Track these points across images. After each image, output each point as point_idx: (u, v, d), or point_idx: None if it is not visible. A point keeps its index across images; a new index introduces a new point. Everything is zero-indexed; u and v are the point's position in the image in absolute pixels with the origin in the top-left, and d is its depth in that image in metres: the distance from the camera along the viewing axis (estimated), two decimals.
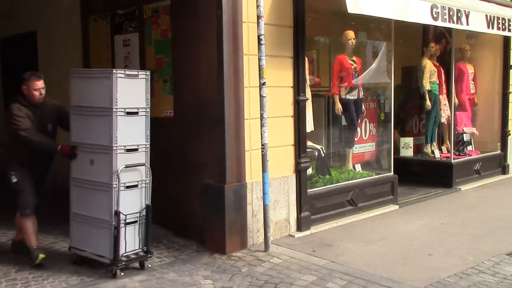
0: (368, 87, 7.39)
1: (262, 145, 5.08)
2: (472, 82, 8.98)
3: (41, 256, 4.72)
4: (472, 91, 9.01)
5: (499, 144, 9.17)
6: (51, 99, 4.99)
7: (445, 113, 8.49)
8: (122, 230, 4.45)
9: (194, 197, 5.35)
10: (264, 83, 5.03)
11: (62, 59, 7.36)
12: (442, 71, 8.48)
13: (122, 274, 4.50)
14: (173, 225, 5.63)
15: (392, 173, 7.10)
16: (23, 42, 8.40)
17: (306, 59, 5.88)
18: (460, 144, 8.70)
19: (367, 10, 5.41)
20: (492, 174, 8.90)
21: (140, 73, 4.61)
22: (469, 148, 8.91)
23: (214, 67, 5.07)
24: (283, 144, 5.57)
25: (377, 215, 6.52)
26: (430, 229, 5.97)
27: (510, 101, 9.11)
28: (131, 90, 4.49)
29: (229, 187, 5.04)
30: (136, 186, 4.61)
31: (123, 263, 4.50)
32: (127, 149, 4.49)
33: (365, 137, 7.36)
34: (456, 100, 8.62)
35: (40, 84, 4.76)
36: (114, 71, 4.39)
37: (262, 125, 5.06)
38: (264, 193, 5.11)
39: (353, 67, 6.86)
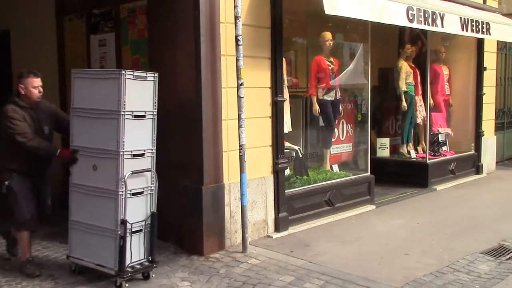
0: (345, 88, 7.45)
1: (240, 146, 5.07)
2: (447, 84, 9.10)
3: (37, 273, 4.52)
4: (447, 92, 9.13)
5: (473, 144, 9.29)
6: (45, 101, 4.67)
7: (420, 114, 8.60)
8: (127, 239, 4.22)
9: (172, 198, 5.31)
10: (242, 84, 5.03)
11: (36, 58, 7.23)
12: (418, 73, 8.58)
13: (127, 285, 4.29)
14: None
15: (369, 173, 7.16)
16: None
17: (284, 60, 5.89)
18: (435, 145, 8.82)
19: (344, 12, 5.44)
20: (466, 174, 9.04)
21: (148, 74, 4.37)
22: (444, 148, 9.03)
23: (191, 67, 5.04)
24: (261, 145, 5.57)
25: (354, 215, 6.57)
26: (406, 228, 6.04)
27: (483, 102, 9.25)
28: (138, 92, 4.26)
29: (207, 188, 5.02)
30: (141, 193, 4.38)
31: (129, 274, 4.27)
32: (133, 155, 4.24)
33: (343, 137, 7.41)
34: (432, 101, 8.73)
35: (38, 81, 4.46)
36: (123, 72, 4.13)
37: (240, 126, 5.05)
38: (242, 194, 5.10)
39: (330, 68, 6.89)
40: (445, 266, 4.77)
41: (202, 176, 5.01)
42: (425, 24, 6.54)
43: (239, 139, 5.07)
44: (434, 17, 6.68)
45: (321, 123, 7.09)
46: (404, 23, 6.33)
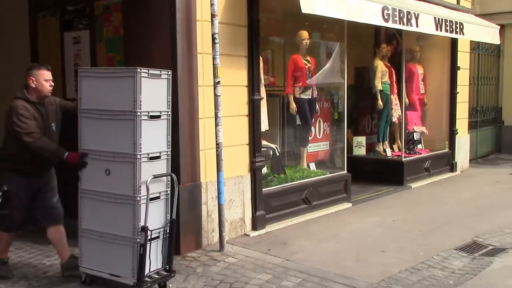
0: (322, 86, 7.48)
1: (217, 144, 5.05)
2: (422, 83, 9.22)
3: (10, 275, 4.38)
4: (422, 91, 9.25)
5: (447, 142, 9.43)
6: (51, 96, 4.40)
7: (396, 112, 8.69)
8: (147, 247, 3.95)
9: None
10: (218, 82, 5.01)
11: (9, 55, 7.08)
12: (393, 72, 8.67)
13: None
14: None
15: (345, 171, 7.21)
16: None
17: (261, 58, 5.90)
18: (410, 143, 8.93)
19: (320, 11, 5.47)
20: (441, 171, 9.17)
21: (162, 72, 4.14)
22: (419, 146, 9.16)
23: (167, 65, 4.98)
24: (238, 143, 5.56)
25: (331, 213, 6.60)
26: (382, 226, 6.10)
27: (457, 101, 9.40)
28: (153, 91, 4.02)
29: (184, 187, 4.99)
30: (158, 197, 4.11)
31: (148, 284, 3.98)
32: (150, 157, 3.99)
33: (319, 136, 7.45)
34: (407, 100, 8.83)
35: (49, 74, 4.25)
36: (138, 70, 3.87)
37: (216, 124, 5.04)
38: (219, 193, 5.09)
39: (307, 67, 6.92)
40: (420, 263, 4.83)
41: (179, 174, 4.98)
42: (400, 23, 6.61)
43: (216, 138, 5.05)
44: (409, 17, 6.76)
45: (298, 121, 7.11)
46: (380, 22, 6.38)
